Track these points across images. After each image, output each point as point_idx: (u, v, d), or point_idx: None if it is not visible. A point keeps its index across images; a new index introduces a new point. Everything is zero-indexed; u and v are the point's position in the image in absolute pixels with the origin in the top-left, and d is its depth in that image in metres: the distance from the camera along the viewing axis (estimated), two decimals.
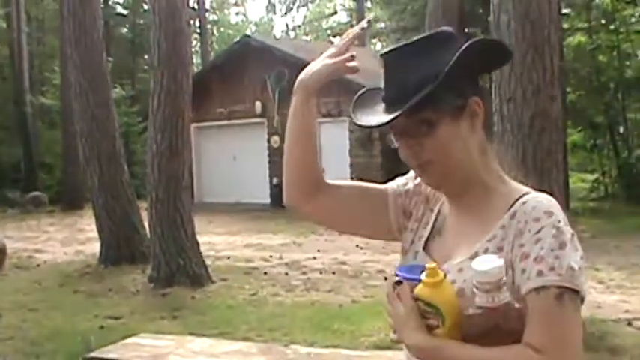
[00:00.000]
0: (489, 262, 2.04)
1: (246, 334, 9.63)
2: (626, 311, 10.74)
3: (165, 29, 13.65)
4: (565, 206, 10.60)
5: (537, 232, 2.11)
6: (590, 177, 31.95)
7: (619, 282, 13.09)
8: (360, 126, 2.35)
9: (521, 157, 9.47)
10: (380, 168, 27.32)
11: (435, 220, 2.46)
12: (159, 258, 13.58)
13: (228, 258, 16.18)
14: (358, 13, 47.35)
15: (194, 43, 50.31)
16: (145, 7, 41.11)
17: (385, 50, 2.33)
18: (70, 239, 21.46)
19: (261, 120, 29.53)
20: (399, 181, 2.61)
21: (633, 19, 29.17)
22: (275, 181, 28.57)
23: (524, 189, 2.30)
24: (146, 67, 38.60)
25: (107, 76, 16.97)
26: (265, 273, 13.79)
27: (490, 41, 2.42)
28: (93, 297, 12.99)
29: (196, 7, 49.34)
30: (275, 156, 29.07)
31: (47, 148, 34.84)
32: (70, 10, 16.45)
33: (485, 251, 2.19)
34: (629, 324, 10.00)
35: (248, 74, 29.56)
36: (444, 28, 2.38)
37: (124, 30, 46.60)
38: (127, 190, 16.25)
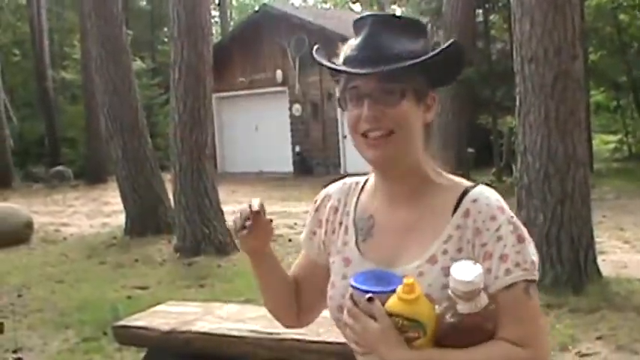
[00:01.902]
0: (470, 270, 2.03)
1: None
2: None
3: (184, 0, 13.63)
4: (589, 167, 10.58)
5: (497, 230, 2.16)
6: (614, 138, 31.74)
7: None
8: (338, 70, 2.29)
9: (543, 117, 9.45)
10: None
11: (355, 222, 2.43)
12: (184, 228, 13.62)
13: None
14: None
15: (213, 13, 50.20)
16: None
17: (374, 13, 2.33)
18: (96, 212, 21.56)
19: (283, 88, 29.52)
20: (307, 227, 2.62)
21: None
22: (298, 149, 28.63)
23: (465, 182, 2.34)
24: (166, 39, 38.54)
25: (127, 49, 16.95)
26: (290, 240, 13.80)
27: (463, 51, 2.40)
28: (119, 268, 13.06)
29: None
30: (297, 124, 29.08)
31: (70, 122, 34.89)
32: None
33: (444, 254, 2.20)
34: None
35: (268, 43, 29.52)
36: (423, 20, 2.45)
37: (143, 3, 46.59)
38: (150, 162, 16.27)
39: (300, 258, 2.66)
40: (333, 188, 2.55)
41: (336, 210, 2.50)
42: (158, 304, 7.21)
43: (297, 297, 2.60)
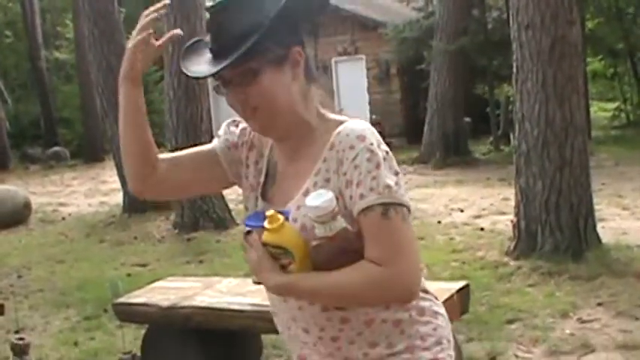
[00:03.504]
0: (320, 196, 2.19)
1: None
2: None
3: None
4: (587, 134, 10.56)
5: (354, 158, 2.27)
6: (612, 105, 31.73)
7: None
8: (189, 76, 2.49)
9: (541, 84, 9.43)
10: (399, 103, 27.29)
11: (267, 167, 2.58)
12: (182, 204, 13.62)
13: None
14: None
15: None
16: None
17: (210, 5, 2.45)
18: (94, 191, 21.52)
19: None
20: (225, 135, 2.69)
21: None
22: None
23: (343, 119, 2.43)
24: (159, 15, 38.33)
25: (120, 26, 16.89)
26: None
27: None
28: (119, 246, 13.06)
29: None
30: None
31: (65, 102, 34.76)
32: None
33: (315, 185, 2.34)
34: None
35: None
36: None
37: None
38: None
39: (199, 147, 2.74)
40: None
41: (253, 147, 2.63)
42: (158, 280, 7.22)
43: (168, 168, 2.63)
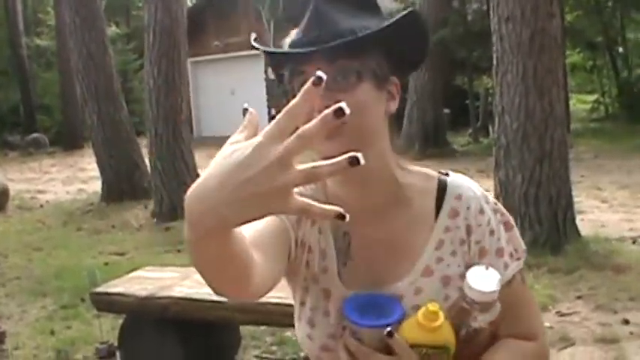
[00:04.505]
0: (489, 278, 1.85)
1: None
2: (631, 229, 10.74)
3: None
4: (566, 127, 10.58)
5: (488, 224, 1.97)
6: (590, 98, 31.86)
7: (622, 201, 13.10)
8: (277, 52, 2.00)
9: (521, 76, 9.43)
10: None
11: (334, 242, 2.00)
12: (160, 193, 13.58)
13: None
14: None
15: None
16: None
17: None
18: (72, 179, 21.46)
19: (258, 52, 29.37)
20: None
21: None
22: (273, 111, 28.52)
23: (433, 174, 2.05)
24: (140, 4, 38.29)
25: (101, 14, 16.82)
26: None
27: (422, 20, 1.98)
28: (97, 234, 13.02)
29: None
30: (272, 88, 28.97)
31: (45, 89, 34.68)
32: None
33: (439, 261, 1.96)
34: (634, 242, 9.99)
35: (242, 6, 29.35)
36: None
37: None
38: (126, 127, 16.16)
39: (269, 225, 1.86)
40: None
41: (314, 222, 2.00)
42: (136, 269, 7.19)
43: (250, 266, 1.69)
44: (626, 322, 7.02)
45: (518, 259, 2.01)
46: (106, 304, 6.44)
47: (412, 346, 1.82)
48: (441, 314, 1.81)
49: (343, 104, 1.21)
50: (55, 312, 8.55)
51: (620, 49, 29.69)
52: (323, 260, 1.99)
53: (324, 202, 1.42)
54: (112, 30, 28.23)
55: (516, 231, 2.05)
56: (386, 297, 1.92)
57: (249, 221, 1.32)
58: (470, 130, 24.25)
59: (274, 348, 6.82)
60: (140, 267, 7.42)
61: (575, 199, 10.25)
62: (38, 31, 37.77)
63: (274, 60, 2.02)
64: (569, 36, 25.09)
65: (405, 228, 1.97)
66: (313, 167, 1.25)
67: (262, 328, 6.96)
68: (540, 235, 9.35)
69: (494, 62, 9.82)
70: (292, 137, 1.24)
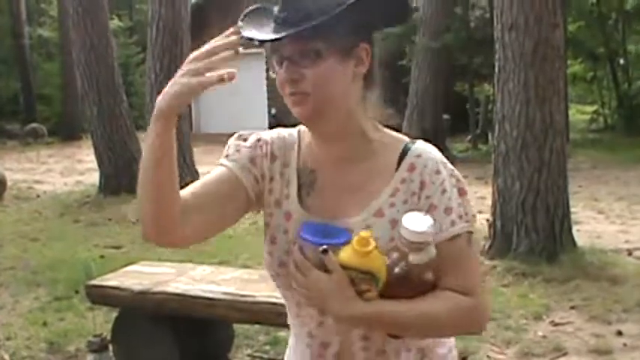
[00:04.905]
0: (421, 221, 2.06)
1: (246, 262, 9.65)
2: (627, 241, 10.76)
3: None
4: (565, 137, 10.60)
5: (441, 183, 2.19)
6: (590, 109, 31.89)
7: (619, 212, 13.12)
8: (250, 39, 2.22)
9: (522, 85, 9.44)
10: (379, 98, 27.30)
11: (299, 175, 2.34)
12: None
13: None
14: None
15: None
16: None
17: None
18: (70, 170, 21.45)
19: (259, 50, 29.32)
20: (237, 152, 2.37)
21: None
22: (273, 111, 28.55)
23: (404, 138, 2.34)
24: None
25: (105, 6, 16.78)
26: None
27: None
28: (93, 227, 13.01)
29: None
30: (273, 86, 28.97)
31: (45, 80, 34.62)
32: None
33: (392, 206, 2.21)
34: (630, 254, 10.00)
35: (246, 3, 29.33)
36: None
37: None
38: (125, 121, 16.14)
39: (214, 175, 2.33)
40: (268, 136, 2.42)
41: (275, 158, 2.36)
42: (131, 263, 7.19)
43: (189, 211, 2.21)
44: (620, 333, 7.03)
45: (467, 221, 2.20)
46: (101, 297, 6.45)
47: (343, 267, 2.06)
48: (372, 242, 2.03)
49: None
50: (48, 303, 8.54)
51: (621, 61, 29.69)
52: (286, 188, 2.33)
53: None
54: (114, 23, 28.22)
55: (469, 200, 2.25)
56: (338, 228, 2.17)
57: (175, 103, 2.10)
58: (469, 137, 24.27)
59: (267, 347, 6.82)
60: (136, 261, 7.43)
61: (572, 210, 10.26)
62: (41, 21, 37.78)
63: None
64: (571, 46, 25.10)
65: (368, 176, 2.25)
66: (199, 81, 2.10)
67: (256, 327, 6.95)
68: (536, 244, 9.36)
69: (496, 70, 9.84)
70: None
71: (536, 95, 9.41)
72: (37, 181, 19.12)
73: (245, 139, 2.42)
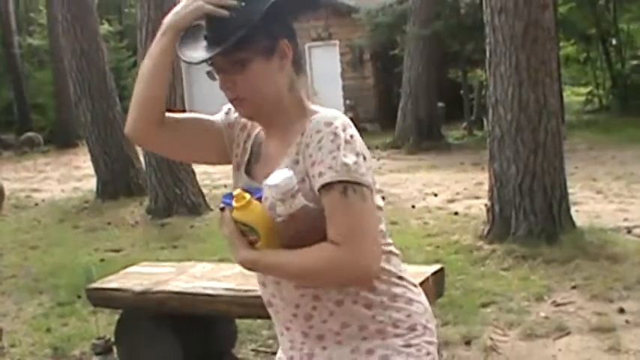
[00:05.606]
0: (279, 175, 2.30)
1: None
2: (625, 220, 10.77)
3: None
4: (560, 118, 10.60)
5: (319, 141, 2.35)
6: (584, 90, 31.89)
7: (617, 192, 13.14)
8: (184, 61, 2.56)
9: (514, 68, 9.44)
10: (372, 88, 27.30)
11: (252, 146, 2.70)
12: (155, 189, 13.58)
13: (225, 186, 16.08)
14: None
15: None
16: None
17: None
18: (67, 177, 21.43)
19: None
20: (225, 113, 2.80)
21: None
22: None
23: (319, 110, 2.53)
24: (132, 1, 38.25)
25: (94, 11, 16.79)
26: None
27: None
28: (92, 232, 13.00)
29: None
30: None
31: (38, 88, 34.59)
32: None
33: (292, 169, 2.40)
34: (629, 232, 10.02)
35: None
36: None
37: None
38: (120, 124, 16.05)
39: (202, 115, 2.84)
40: None
41: (245, 128, 2.74)
42: (132, 265, 7.18)
43: (169, 128, 2.71)
44: (622, 310, 7.04)
45: (337, 171, 2.29)
46: (102, 299, 6.46)
47: (235, 222, 2.36)
48: (246, 196, 2.32)
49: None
50: (51, 309, 8.54)
51: (614, 41, 29.68)
52: (244, 155, 2.71)
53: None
54: (104, 27, 28.20)
55: (345, 152, 2.33)
56: (257, 188, 2.42)
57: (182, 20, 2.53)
58: (464, 123, 24.27)
59: (271, 342, 6.81)
60: (136, 263, 7.43)
61: (570, 190, 10.27)
62: (30, 30, 37.69)
63: None
64: (562, 28, 25.08)
65: (287, 144, 2.49)
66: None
67: (259, 321, 6.95)
68: (535, 226, 9.36)
69: (487, 54, 9.83)
70: None
71: (529, 77, 9.40)
72: (35, 190, 19.09)
73: (228, 109, 2.79)
